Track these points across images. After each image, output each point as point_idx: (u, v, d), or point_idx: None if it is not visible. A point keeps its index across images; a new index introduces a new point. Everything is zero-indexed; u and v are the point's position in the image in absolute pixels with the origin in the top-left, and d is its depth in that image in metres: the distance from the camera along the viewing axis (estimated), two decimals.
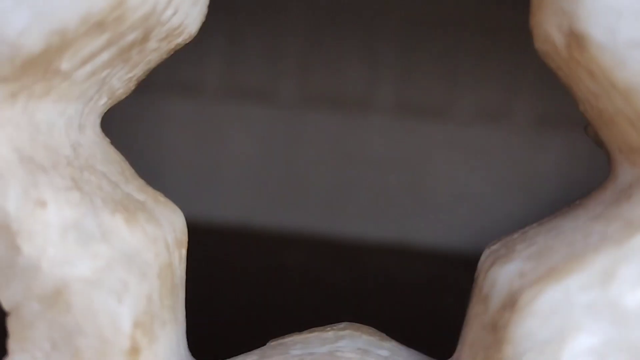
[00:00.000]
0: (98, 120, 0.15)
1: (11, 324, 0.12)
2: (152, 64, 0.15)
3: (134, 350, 0.12)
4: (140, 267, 0.13)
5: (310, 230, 0.42)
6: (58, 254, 0.12)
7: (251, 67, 0.43)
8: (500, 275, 0.12)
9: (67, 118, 0.14)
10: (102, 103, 0.15)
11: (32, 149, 0.13)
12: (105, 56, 0.13)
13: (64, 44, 0.12)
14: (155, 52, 0.14)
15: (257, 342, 0.16)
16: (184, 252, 0.15)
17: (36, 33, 0.12)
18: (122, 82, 0.15)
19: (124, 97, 0.15)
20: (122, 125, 0.42)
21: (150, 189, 0.15)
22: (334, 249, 0.41)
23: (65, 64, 0.13)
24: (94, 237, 0.13)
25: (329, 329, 0.15)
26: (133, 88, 0.15)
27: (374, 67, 0.43)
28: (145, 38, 0.14)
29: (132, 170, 0.15)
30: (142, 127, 0.42)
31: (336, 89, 0.44)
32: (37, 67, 0.12)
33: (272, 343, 0.15)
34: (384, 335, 0.16)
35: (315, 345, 0.14)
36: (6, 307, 0.13)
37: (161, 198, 0.15)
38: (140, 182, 0.15)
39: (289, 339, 0.15)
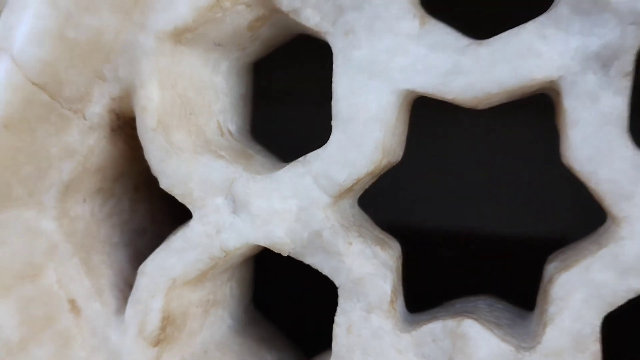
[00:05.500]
0: None
1: None
2: None
3: (392, 301, 0.29)
4: (390, 267, 0.30)
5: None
6: None
7: None
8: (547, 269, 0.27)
9: None
10: None
11: None
12: None
13: None
14: None
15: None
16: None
17: None
18: None
19: None
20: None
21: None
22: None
23: None
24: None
25: (473, 298, 0.32)
26: None
27: None
28: None
29: None
30: None
31: None
32: None
33: (444, 304, 0.32)
34: (500, 300, 0.32)
35: (466, 303, 0.31)
36: None
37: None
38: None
39: (453, 301, 0.32)
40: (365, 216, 0.33)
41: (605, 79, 0.26)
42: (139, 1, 0.29)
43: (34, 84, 0.29)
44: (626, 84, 0.26)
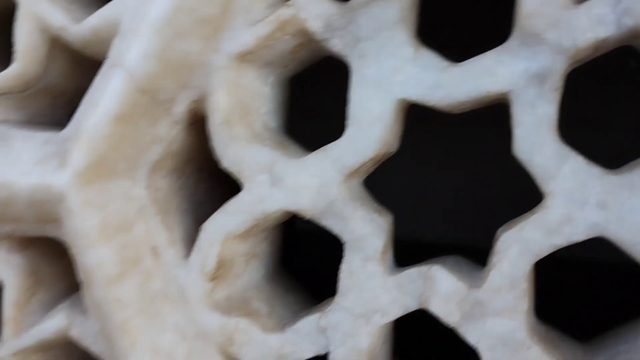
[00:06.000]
0: None
1: None
2: None
3: None
4: (384, 229, 0.40)
5: None
6: None
7: None
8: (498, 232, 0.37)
9: None
10: None
11: None
12: None
13: None
14: None
15: None
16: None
17: None
18: None
19: None
20: None
21: None
22: None
23: None
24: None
25: (446, 256, 0.42)
26: None
27: None
28: None
29: None
30: None
31: None
32: None
33: (425, 261, 0.42)
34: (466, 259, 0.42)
35: (439, 259, 0.41)
36: None
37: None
38: None
39: (430, 259, 0.42)
40: (368, 193, 0.43)
41: (541, 92, 0.36)
42: (217, 31, 0.41)
43: (139, 90, 0.42)
44: (555, 96, 0.36)
